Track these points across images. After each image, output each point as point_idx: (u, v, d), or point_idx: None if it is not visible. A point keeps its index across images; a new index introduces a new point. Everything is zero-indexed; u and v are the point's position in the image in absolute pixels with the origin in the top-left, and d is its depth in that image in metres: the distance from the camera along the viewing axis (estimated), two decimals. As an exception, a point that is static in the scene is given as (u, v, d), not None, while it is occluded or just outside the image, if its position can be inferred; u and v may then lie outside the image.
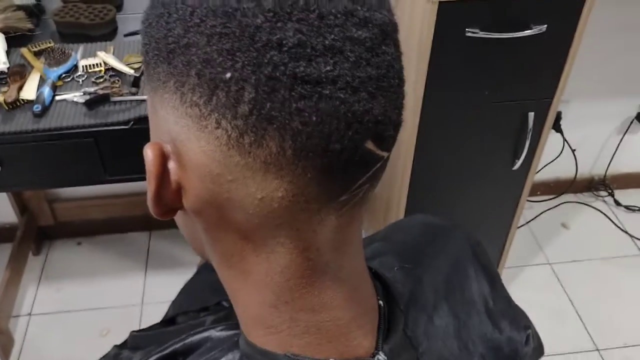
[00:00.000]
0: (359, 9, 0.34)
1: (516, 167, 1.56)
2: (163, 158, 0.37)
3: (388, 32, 0.36)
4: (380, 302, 0.45)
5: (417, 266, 0.54)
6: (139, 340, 0.59)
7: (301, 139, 0.33)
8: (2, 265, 1.93)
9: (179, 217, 0.42)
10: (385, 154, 0.36)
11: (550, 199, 2.31)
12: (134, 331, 0.59)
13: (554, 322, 1.93)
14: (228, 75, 0.32)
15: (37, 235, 2.11)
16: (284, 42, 0.32)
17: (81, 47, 1.44)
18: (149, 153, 0.37)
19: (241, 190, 0.35)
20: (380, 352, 0.43)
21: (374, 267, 0.49)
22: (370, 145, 0.35)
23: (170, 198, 0.38)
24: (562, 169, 2.24)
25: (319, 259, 0.39)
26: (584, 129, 2.15)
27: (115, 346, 0.58)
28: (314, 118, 0.33)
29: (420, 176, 1.54)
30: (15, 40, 1.45)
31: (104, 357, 0.58)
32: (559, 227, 2.26)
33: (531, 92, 1.43)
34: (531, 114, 1.45)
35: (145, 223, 2.14)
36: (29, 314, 1.94)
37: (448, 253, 0.57)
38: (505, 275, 1.92)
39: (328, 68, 0.32)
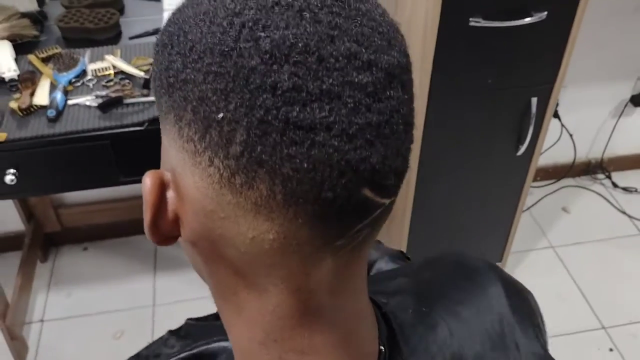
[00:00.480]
0: (363, 51, 0.33)
1: (520, 152, 1.59)
2: (162, 187, 0.37)
3: (395, 75, 0.34)
4: (382, 347, 0.43)
5: (434, 310, 0.50)
6: (190, 328, 0.61)
7: (291, 185, 0.32)
8: (12, 272, 1.93)
9: (181, 242, 0.41)
10: (386, 200, 0.35)
11: (550, 184, 2.35)
12: (189, 319, 0.60)
13: (560, 303, 1.97)
14: (220, 115, 0.32)
15: (43, 242, 2.12)
16: (278, 85, 0.31)
17: (88, 52, 1.45)
18: (147, 181, 0.37)
19: (233, 229, 0.35)
20: None
21: (387, 309, 0.48)
22: (367, 192, 0.34)
23: (167, 227, 0.38)
24: (561, 154, 2.28)
25: (312, 301, 0.37)
26: (580, 114, 2.19)
27: (169, 331, 0.59)
28: (305, 165, 0.31)
29: (426, 166, 1.56)
30: (21, 48, 1.46)
31: (157, 340, 0.59)
32: (559, 212, 2.30)
33: (533, 78, 1.46)
34: (534, 100, 1.49)
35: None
36: (41, 320, 1.94)
37: (484, 304, 0.52)
38: (510, 260, 1.95)
39: (323, 114, 0.31)
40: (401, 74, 0.35)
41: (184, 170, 0.35)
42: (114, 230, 2.16)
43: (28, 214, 2.03)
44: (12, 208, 2.00)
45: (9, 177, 1.25)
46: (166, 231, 0.38)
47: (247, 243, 0.35)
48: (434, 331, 0.48)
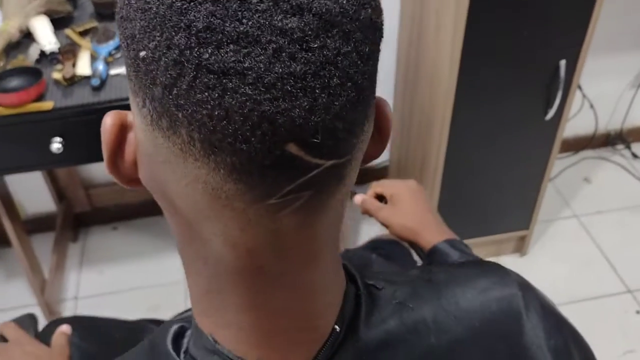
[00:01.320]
0: None
1: (549, 116, 1.61)
2: (121, 128, 0.36)
3: (334, 23, 0.31)
4: (337, 326, 0.42)
5: (422, 311, 0.46)
6: None
7: (207, 133, 0.30)
8: (46, 252, 1.96)
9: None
10: (321, 161, 0.32)
11: (571, 155, 2.38)
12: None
13: (586, 270, 1.99)
14: (142, 54, 0.31)
15: (73, 222, 2.15)
16: (193, 24, 0.29)
17: (124, 25, 1.47)
18: (107, 120, 0.36)
19: (171, 175, 0.34)
20: None
21: (377, 294, 0.46)
22: (293, 149, 0.31)
23: (127, 169, 0.38)
24: (581, 125, 2.30)
25: (250, 260, 0.36)
26: (600, 85, 2.20)
27: None
28: (217, 112, 0.30)
29: (458, 128, 1.59)
30: (57, 23, 1.49)
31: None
32: (581, 182, 2.32)
33: (563, 39, 1.48)
34: (562, 62, 1.51)
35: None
36: (76, 298, 1.98)
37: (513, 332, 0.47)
38: (537, 229, 1.98)
39: (237, 58, 0.29)
40: (344, 23, 0.31)
41: (134, 111, 0.35)
42: (143, 209, 2.19)
43: (59, 194, 2.06)
44: (44, 189, 2.03)
45: (56, 146, 1.28)
46: (127, 173, 0.38)
47: (183, 191, 0.34)
48: (407, 329, 0.44)
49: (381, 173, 2.26)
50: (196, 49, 0.29)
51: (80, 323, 0.98)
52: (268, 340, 0.40)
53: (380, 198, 0.92)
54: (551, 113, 1.60)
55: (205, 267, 0.39)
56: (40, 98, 1.27)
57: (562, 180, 2.30)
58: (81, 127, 1.29)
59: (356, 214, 2.09)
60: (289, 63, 0.29)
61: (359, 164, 0.38)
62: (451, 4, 1.40)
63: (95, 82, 1.28)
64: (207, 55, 0.29)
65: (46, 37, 1.40)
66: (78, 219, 2.17)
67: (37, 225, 2.10)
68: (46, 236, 2.06)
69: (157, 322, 1.07)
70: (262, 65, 0.29)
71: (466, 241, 2.04)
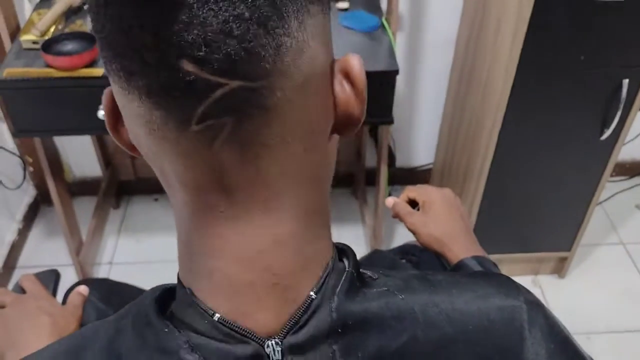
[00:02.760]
0: None
1: (604, 137, 1.54)
2: (113, 97, 0.39)
3: None
4: (313, 293, 0.40)
5: (413, 303, 0.43)
6: None
7: (120, 61, 0.34)
8: (87, 215, 2.02)
9: None
10: (224, 80, 0.33)
11: (624, 179, 2.28)
12: None
13: (626, 300, 1.91)
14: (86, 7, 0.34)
15: (117, 189, 2.20)
16: None
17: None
18: (105, 91, 0.40)
19: (130, 122, 0.38)
20: (274, 340, 0.40)
21: (368, 281, 0.44)
22: (188, 66, 0.32)
23: (126, 137, 0.41)
24: (639, 150, 2.20)
25: (201, 198, 0.38)
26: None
27: None
28: (118, 38, 0.33)
29: (506, 139, 1.54)
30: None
31: None
32: (632, 209, 2.22)
33: (628, 58, 1.41)
34: (626, 81, 1.44)
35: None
36: (110, 263, 2.03)
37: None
38: (579, 252, 1.90)
39: None
40: None
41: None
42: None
43: (106, 161, 2.11)
44: (92, 154, 2.08)
45: (102, 112, 1.30)
46: (127, 140, 0.41)
47: (138, 134, 0.37)
48: (392, 314, 0.42)
49: (424, 175, 2.22)
50: None
51: (105, 285, 1.00)
52: (235, 292, 0.39)
53: (414, 204, 0.89)
54: (607, 133, 1.53)
55: (177, 214, 0.41)
56: (92, 64, 1.30)
57: (612, 205, 2.21)
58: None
59: (389, 218, 2.07)
60: None
61: (304, 103, 0.37)
62: (512, 12, 1.35)
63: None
64: None
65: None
66: (122, 187, 2.22)
67: (82, 188, 2.16)
68: (90, 200, 2.12)
69: None
70: None
71: (502, 256, 2.01)
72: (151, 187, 2.23)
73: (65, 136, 1.89)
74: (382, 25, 1.48)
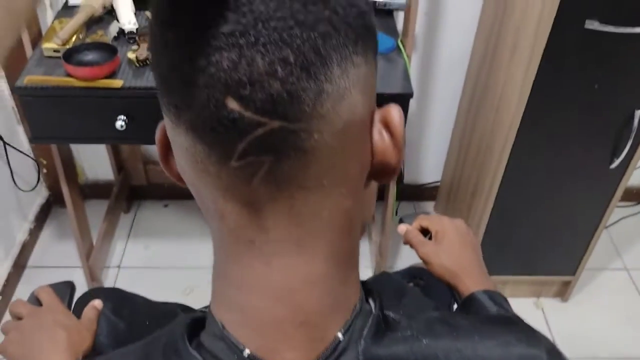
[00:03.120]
0: None
1: (614, 165, 1.56)
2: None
3: None
4: (340, 334, 0.42)
5: (434, 346, 0.44)
6: None
7: (171, 95, 0.36)
8: (98, 218, 2.04)
9: None
10: (265, 119, 0.34)
11: (631, 205, 2.29)
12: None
13: (629, 326, 1.91)
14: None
15: (128, 194, 2.22)
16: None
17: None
18: (159, 124, 0.42)
19: (178, 153, 0.40)
20: None
21: (392, 322, 0.45)
22: (233, 104, 0.34)
23: (175, 168, 0.43)
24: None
25: (238, 231, 0.39)
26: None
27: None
28: (171, 73, 0.36)
29: (516, 163, 1.56)
30: (139, 3, 1.54)
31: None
32: (638, 235, 2.23)
33: (640, 89, 1.43)
34: (637, 112, 1.45)
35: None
36: (118, 267, 2.05)
37: None
38: (583, 277, 1.91)
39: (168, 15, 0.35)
40: None
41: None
42: (194, 192, 2.24)
43: (119, 166, 2.14)
44: (105, 159, 2.11)
45: (120, 123, 1.33)
46: (175, 171, 0.43)
47: (183, 165, 0.40)
48: (416, 359, 0.43)
49: (431, 192, 2.23)
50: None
51: (117, 296, 1.01)
52: (265, 328, 0.41)
53: (425, 232, 0.90)
54: (617, 162, 1.55)
55: (215, 245, 0.42)
56: (112, 75, 1.32)
57: (617, 229, 2.22)
58: (146, 108, 1.33)
59: (395, 234, 2.08)
60: (217, 20, 0.33)
61: (342, 148, 0.38)
62: (528, 39, 1.37)
63: (166, 67, 1.32)
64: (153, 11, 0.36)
65: (127, 16, 1.45)
66: (133, 191, 2.24)
67: (94, 191, 2.19)
68: (101, 203, 2.14)
69: (189, 310, 1.09)
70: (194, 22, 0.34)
71: (506, 277, 2.01)
72: (162, 193, 2.25)
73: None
74: (398, 47, 1.50)
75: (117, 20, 1.45)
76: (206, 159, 0.37)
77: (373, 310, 0.45)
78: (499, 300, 0.79)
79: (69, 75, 1.31)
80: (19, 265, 1.98)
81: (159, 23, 0.36)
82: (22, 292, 1.94)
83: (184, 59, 0.34)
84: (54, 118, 1.36)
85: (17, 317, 0.80)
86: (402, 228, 0.91)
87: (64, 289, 0.89)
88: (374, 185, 0.45)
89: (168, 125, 0.39)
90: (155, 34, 0.36)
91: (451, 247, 0.85)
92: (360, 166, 0.41)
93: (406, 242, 0.90)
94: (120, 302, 0.98)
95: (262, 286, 0.40)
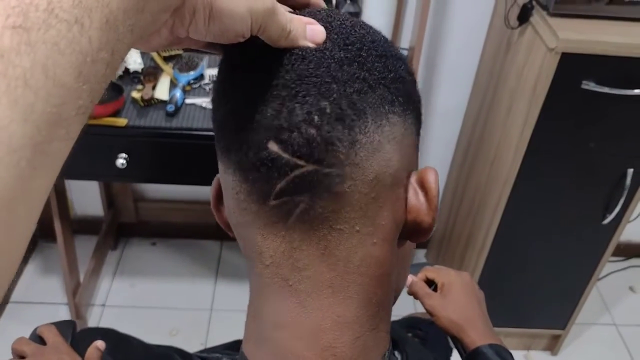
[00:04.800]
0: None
1: (606, 221, 1.58)
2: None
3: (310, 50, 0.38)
4: None
5: None
6: None
7: (221, 138, 0.40)
8: (86, 255, 2.01)
9: None
10: (301, 162, 0.37)
11: (619, 260, 2.31)
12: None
13: (618, 384, 1.91)
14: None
15: (116, 230, 2.20)
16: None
17: (207, 58, 1.53)
18: (217, 176, 0.45)
19: (226, 194, 0.43)
20: None
21: None
22: (274, 147, 0.37)
23: (224, 216, 0.45)
24: (636, 232, 2.24)
25: (274, 269, 0.40)
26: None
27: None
28: (220, 118, 0.40)
29: (510, 217, 1.57)
30: (145, 44, 1.55)
31: None
32: (626, 290, 2.25)
33: (634, 149, 1.46)
34: (630, 171, 1.48)
35: (218, 232, 2.21)
36: (104, 305, 2.01)
37: None
38: (573, 331, 1.92)
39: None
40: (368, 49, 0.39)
41: None
42: (184, 230, 2.23)
43: (109, 202, 2.12)
44: (95, 194, 2.09)
45: (120, 161, 1.32)
46: (225, 217, 0.45)
47: (229, 203, 0.43)
48: None
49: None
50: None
51: (112, 337, 0.99)
52: None
53: (429, 283, 0.90)
54: (609, 218, 1.57)
55: (252, 287, 0.44)
56: (116, 113, 1.32)
57: (606, 284, 2.23)
58: (148, 148, 1.33)
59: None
60: (265, 78, 0.37)
61: (374, 198, 0.40)
62: (526, 96, 1.40)
63: (171, 108, 1.33)
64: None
65: (132, 56, 1.46)
66: (121, 228, 2.22)
67: (82, 226, 2.15)
68: (88, 239, 2.11)
69: (182, 353, 1.07)
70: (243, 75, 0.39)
71: (497, 330, 2.01)
72: (150, 231, 2.23)
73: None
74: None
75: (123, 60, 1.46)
76: (248, 197, 0.39)
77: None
78: (504, 354, 0.79)
79: (72, 111, 1.31)
80: (2, 301, 1.92)
81: (220, 80, 0.40)
82: (4, 327, 1.88)
83: (236, 109, 0.39)
84: (53, 153, 1.35)
85: (20, 356, 0.78)
86: (408, 279, 0.91)
87: (67, 328, 0.87)
88: (409, 251, 0.46)
89: (221, 170, 0.42)
90: (216, 89, 0.41)
91: (457, 300, 0.85)
92: (392, 219, 0.42)
93: (411, 293, 0.90)
94: (115, 343, 0.96)
95: (294, 324, 0.41)
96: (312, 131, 0.37)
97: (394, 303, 0.46)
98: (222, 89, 0.40)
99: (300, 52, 0.38)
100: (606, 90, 1.34)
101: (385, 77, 0.39)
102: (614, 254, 2.27)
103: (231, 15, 0.34)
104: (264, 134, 0.37)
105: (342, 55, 0.38)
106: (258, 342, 0.43)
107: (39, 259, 2.13)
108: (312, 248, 0.40)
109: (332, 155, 0.37)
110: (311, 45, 0.39)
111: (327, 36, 0.39)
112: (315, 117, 0.37)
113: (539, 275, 1.75)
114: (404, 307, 2.02)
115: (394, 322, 1.17)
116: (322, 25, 0.39)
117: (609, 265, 2.25)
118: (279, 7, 0.36)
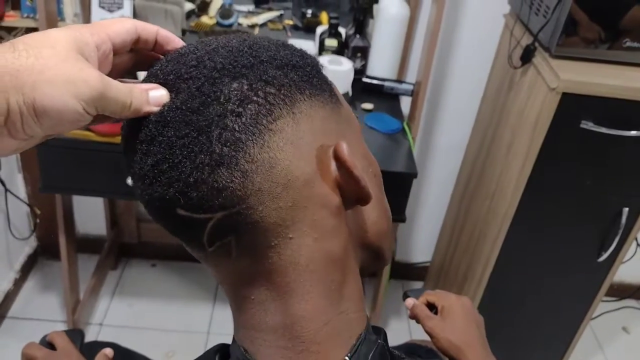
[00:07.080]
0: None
1: (601, 259, 1.61)
2: None
3: (167, 123, 0.40)
4: (347, 357, 0.46)
5: None
6: None
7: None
8: (87, 273, 2.02)
9: None
10: (209, 215, 0.41)
11: (613, 300, 2.33)
12: None
13: None
14: None
15: (117, 250, 2.21)
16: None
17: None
18: None
19: None
20: None
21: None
22: (182, 212, 0.41)
23: None
24: (630, 273, 2.27)
25: (236, 292, 0.46)
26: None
27: None
28: (141, 199, 0.44)
29: (508, 250, 1.60)
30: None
31: None
32: (619, 330, 2.27)
33: (631, 188, 1.50)
34: (626, 210, 1.52)
35: (219, 257, 2.22)
36: (101, 324, 2.01)
37: None
38: (566, 368, 1.93)
39: (134, 165, 0.43)
40: (178, 121, 0.41)
41: None
42: (184, 253, 2.21)
43: (112, 221, 2.14)
44: (99, 213, 2.11)
45: (131, 180, 1.35)
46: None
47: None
48: None
49: (421, 272, 2.26)
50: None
51: (118, 351, 1.01)
52: (275, 356, 0.45)
53: (431, 307, 0.93)
54: (604, 256, 1.60)
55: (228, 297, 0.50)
56: (130, 133, 1.36)
57: (599, 324, 2.25)
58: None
59: (385, 312, 2.09)
60: (145, 159, 0.41)
61: (294, 203, 0.42)
62: (526, 137, 1.45)
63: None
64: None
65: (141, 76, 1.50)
66: (122, 248, 2.24)
67: (84, 245, 2.17)
68: (89, 258, 2.13)
69: None
70: (137, 166, 0.42)
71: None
72: (151, 252, 2.25)
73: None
74: (403, 129, 1.57)
75: (137, 78, 1.50)
76: (192, 251, 0.46)
77: (379, 340, 0.48)
78: None
79: (88, 129, 1.35)
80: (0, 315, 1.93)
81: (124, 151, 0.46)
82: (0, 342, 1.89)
83: (135, 183, 0.45)
84: (67, 169, 1.39)
85: None
86: (410, 302, 0.93)
87: (77, 336, 0.90)
88: (369, 206, 0.47)
89: None
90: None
91: (457, 323, 0.87)
92: (325, 208, 0.44)
93: (412, 316, 0.92)
94: (121, 357, 0.98)
95: (264, 328, 0.45)
96: (203, 187, 0.40)
97: (381, 264, 0.51)
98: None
99: (154, 118, 0.41)
100: (604, 130, 1.39)
101: (247, 97, 0.40)
102: (608, 294, 2.30)
103: (56, 108, 0.36)
104: (169, 205, 0.41)
105: (196, 104, 0.40)
106: (242, 335, 0.47)
107: (39, 276, 2.15)
108: (259, 267, 0.43)
109: (230, 197, 0.40)
110: (155, 109, 0.41)
111: (177, 86, 0.41)
112: (198, 175, 0.39)
113: (534, 311, 1.77)
114: (400, 333, 2.03)
115: (393, 347, 1.19)
116: (171, 68, 0.42)
117: (602, 305, 2.28)
118: (111, 85, 0.38)
